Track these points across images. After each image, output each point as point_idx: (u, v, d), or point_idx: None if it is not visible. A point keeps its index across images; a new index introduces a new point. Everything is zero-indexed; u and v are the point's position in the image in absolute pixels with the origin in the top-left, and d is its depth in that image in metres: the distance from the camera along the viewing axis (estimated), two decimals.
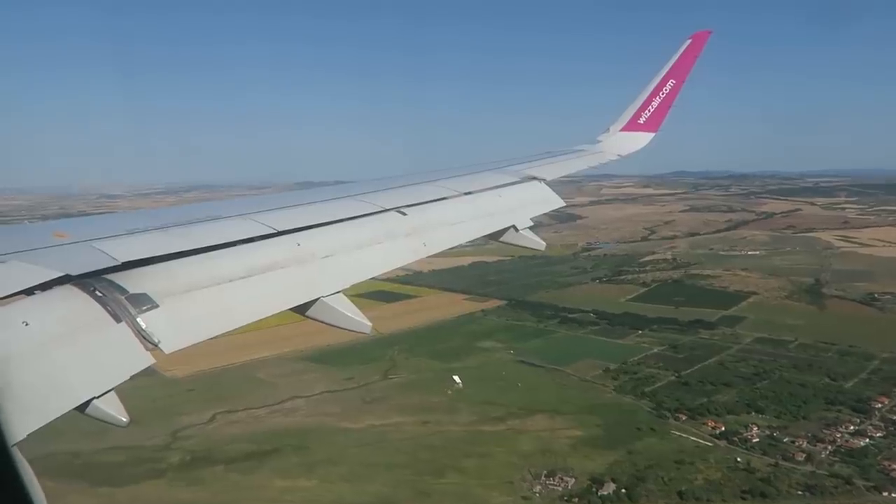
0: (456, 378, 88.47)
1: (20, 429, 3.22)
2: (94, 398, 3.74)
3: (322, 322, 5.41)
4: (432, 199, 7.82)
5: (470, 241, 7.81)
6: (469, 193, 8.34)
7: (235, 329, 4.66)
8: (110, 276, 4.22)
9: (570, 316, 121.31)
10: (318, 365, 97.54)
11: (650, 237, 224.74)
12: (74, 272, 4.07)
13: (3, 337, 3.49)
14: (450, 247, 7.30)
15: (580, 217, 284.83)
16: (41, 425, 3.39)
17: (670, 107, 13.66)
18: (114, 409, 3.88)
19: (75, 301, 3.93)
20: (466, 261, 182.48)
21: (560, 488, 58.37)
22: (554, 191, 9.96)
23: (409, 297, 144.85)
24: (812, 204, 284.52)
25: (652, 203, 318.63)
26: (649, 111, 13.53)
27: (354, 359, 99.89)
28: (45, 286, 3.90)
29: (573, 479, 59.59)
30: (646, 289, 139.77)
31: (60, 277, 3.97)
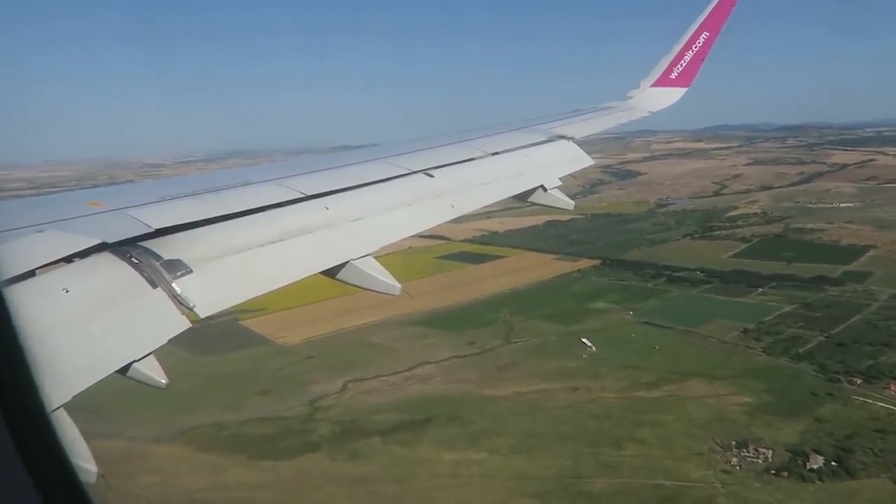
0: (586, 341, 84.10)
1: (66, 391, 3.23)
2: (134, 361, 3.77)
3: (352, 285, 5.41)
4: (460, 160, 7.78)
5: (497, 202, 7.82)
6: (496, 154, 8.33)
7: (267, 292, 4.73)
8: (145, 244, 4.33)
9: (675, 275, 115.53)
10: (431, 329, 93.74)
11: (722, 192, 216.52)
12: (110, 240, 4.16)
13: (46, 304, 3.57)
14: (478, 208, 7.31)
15: (640, 173, 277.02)
16: (86, 387, 3.41)
17: (704, 60, 13.11)
18: (154, 372, 3.88)
19: (112, 268, 4.03)
20: (540, 220, 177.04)
21: (759, 461, 53.87)
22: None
23: (495, 257, 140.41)
24: (884, 154, 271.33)
25: (710, 157, 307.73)
26: (682, 65, 13.02)
27: (466, 322, 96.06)
28: (82, 254, 3.98)
29: (770, 451, 54.99)
30: (747, 244, 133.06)
31: (97, 245, 4.06)
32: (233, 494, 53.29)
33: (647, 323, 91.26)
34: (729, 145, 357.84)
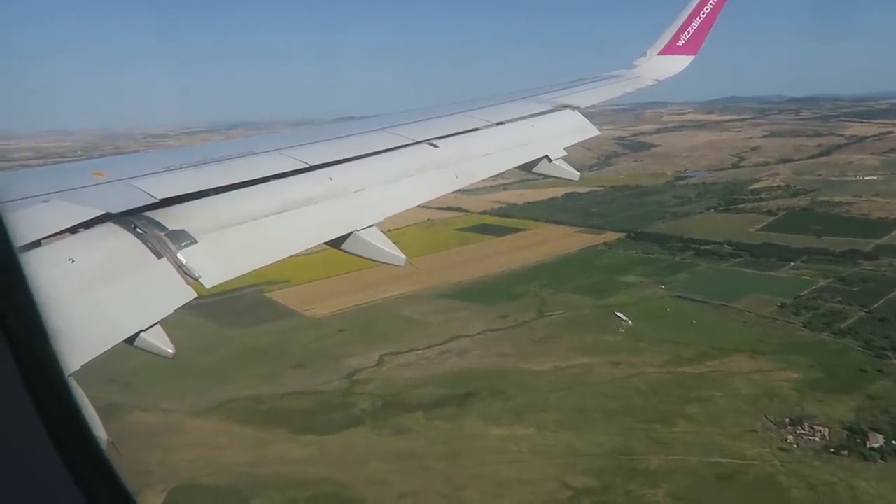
0: (621, 315, 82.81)
1: (74, 361, 3.24)
2: (140, 331, 3.76)
3: (357, 255, 5.44)
4: (464, 130, 7.69)
5: (500, 173, 7.78)
6: (501, 123, 8.19)
7: (272, 263, 4.73)
8: (149, 214, 4.32)
9: (703, 248, 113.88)
10: (461, 302, 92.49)
11: (741, 164, 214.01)
12: (115, 210, 4.15)
13: (53, 274, 3.57)
14: (482, 178, 7.28)
15: (654, 145, 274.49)
16: (93, 357, 3.41)
17: (711, 27, 12.88)
18: (160, 342, 3.86)
19: (117, 238, 4.04)
20: (559, 192, 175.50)
21: (816, 439, 52.76)
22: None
23: (517, 230, 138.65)
24: None
25: (725, 129, 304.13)
26: (689, 33, 12.79)
27: (496, 295, 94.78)
28: (87, 224, 3.99)
29: (826, 429, 53.87)
30: (773, 218, 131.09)
31: (102, 216, 4.07)
32: (279, 469, 52.40)
33: (681, 297, 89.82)
34: (742, 117, 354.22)
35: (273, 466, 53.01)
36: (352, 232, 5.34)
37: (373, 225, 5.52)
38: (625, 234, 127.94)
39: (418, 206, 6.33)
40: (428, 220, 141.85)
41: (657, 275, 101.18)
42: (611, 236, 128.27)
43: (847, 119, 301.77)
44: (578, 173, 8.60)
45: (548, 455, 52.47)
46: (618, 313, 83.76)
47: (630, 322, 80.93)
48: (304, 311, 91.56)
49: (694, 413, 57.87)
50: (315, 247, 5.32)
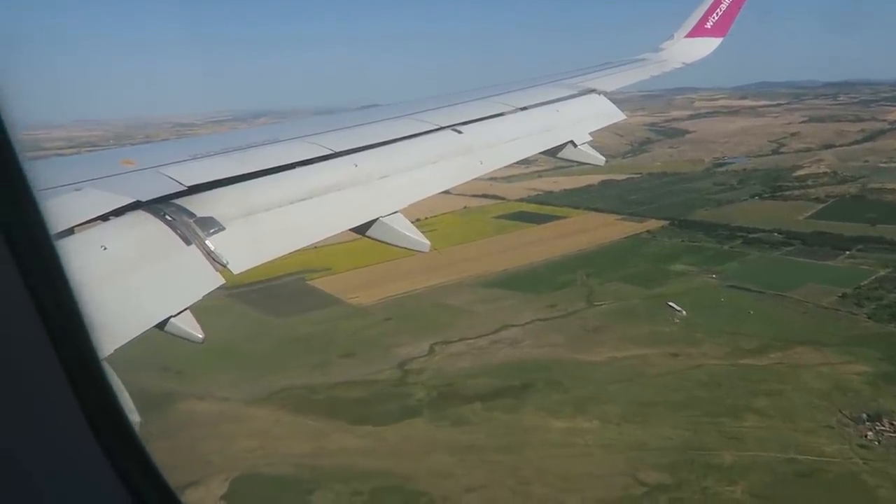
0: (674, 305, 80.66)
1: (107, 346, 3.29)
2: (171, 317, 3.80)
3: (382, 241, 5.46)
4: (488, 115, 7.65)
5: (529, 159, 7.85)
6: (525, 109, 8.15)
7: (297, 249, 4.83)
8: (178, 201, 4.38)
9: (751, 236, 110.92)
10: (506, 291, 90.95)
11: (781, 150, 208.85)
12: (145, 198, 4.21)
13: (86, 261, 3.62)
14: (507, 164, 7.31)
15: (688, 131, 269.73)
16: (125, 342, 3.47)
17: (741, 8, 12.58)
18: (190, 327, 3.90)
19: (147, 226, 4.09)
20: (595, 179, 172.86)
21: None
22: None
23: (555, 217, 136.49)
24: None
25: (760, 115, 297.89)
26: (718, 14, 12.45)
27: (541, 284, 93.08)
28: (118, 212, 4.05)
29: None
30: (822, 205, 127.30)
31: (132, 203, 4.13)
32: (338, 461, 51.59)
33: (734, 287, 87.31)
34: (777, 102, 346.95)
35: (333, 458, 52.21)
36: (377, 218, 5.36)
37: (397, 211, 5.51)
38: (668, 222, 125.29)
39: (448, 192, 6.41)
40: (465, 207, 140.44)
41: (706, 264, 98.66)
42: (654, 224, 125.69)
43: (888, 104, 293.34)
44: (604, 158, 8.46)
45: (615, 449, 50.95)
46: (670, 303, 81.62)
47: (684, 312, 78.79)
48: (349, 299, 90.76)
49: (763, 407, 55.87)
50: (345, 234, 5.38)
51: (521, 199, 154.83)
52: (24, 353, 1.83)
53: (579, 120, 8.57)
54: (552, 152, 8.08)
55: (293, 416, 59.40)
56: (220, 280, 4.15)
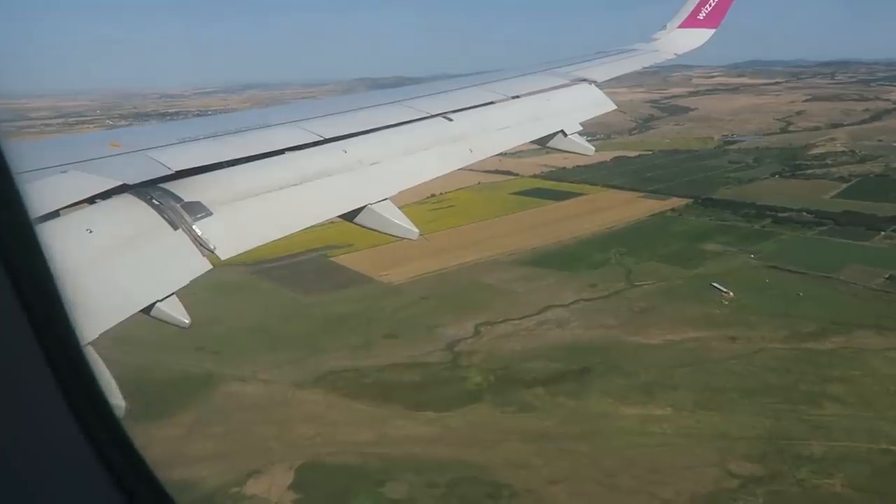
0: (720, 286, 78.50)
1: (91, 330, 3.24)
2: (157, 301, 3.76)
3: (371, 229, 5.48)
4: (479, 103, 7.61)
5: (515, 147, 7.73)
6: (516, 97, 8.14)
7: (286, 235, 4.85)
8: (165, 185, 4.35)
9: (780, 216, 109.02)
10: (541, 269, 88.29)
11: (790, 129, 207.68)
12: (131, 181, 4.18)
13: (71, 244, 3.58)
14: (497, 153, 7.31)
15: (690, 108, 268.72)
16: (111, 326, 3.42)
17: (733, 0, 12.69)
18: (176, 312, 3.85)
19: (134, 209, 4.06)
20: (607, 156, 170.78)
21: None
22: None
23: (574, 194, 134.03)
24: None
25: (762, 93, 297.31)
26: (710, 5, 12.59)
27: (576, 263, 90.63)
28: (104, 195, 4.01)
29: None
30: (847, 184, 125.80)
31: (119, 187, 4.08)
32: (406, 450, 48.93)
33: (775, 267, 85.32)
34: (775, 81, 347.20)
35: (399, 446, 49.54)
36: (366, 205, 5.34)
37: (387, 198, 5.50)
38: (691, 200, 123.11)
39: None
40: (479, 183, 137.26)
41: (740, 243, 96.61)
42: (677, 202, 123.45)
43: (888, 83, 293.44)
44: (593, 148, 8.39)
45: (697, 438, 48.75)
46: (715, 284, 79.46)
47: (731, 294, 76.67)
48: (379, 276, 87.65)
49: (840, 394, 53.91)
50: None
51: (535, 176, 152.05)
52: (5, 341, 1.79)
53: (570, 109, 8.51)
54: (542, 141, 8.01)
55: (346, 401, 56.55)
56: (207, 265, 4.07)
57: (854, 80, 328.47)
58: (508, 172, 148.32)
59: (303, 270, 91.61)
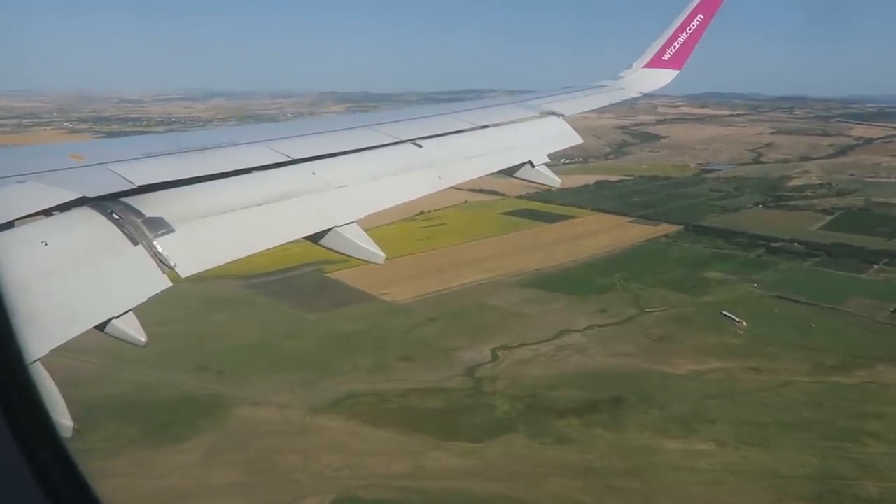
0: (731, 315, 77.81)
1: (42, 346, 3.15)
2: (112, 318, 3.70)
3: (336, 251, 5.39)
4: (449, 131, 7.68)
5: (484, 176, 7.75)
6: (486, 127, 8.25)
7: (249, 255, 4.70)
8: (127, 200, 4.25)
9: (773, 245, 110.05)
10: (546, 292, 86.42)
11: (762, 160, 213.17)
12: (91, 194, 4.07)
13: (24, 256, 3.51)
14: (465, 180, 7.27)
15: (661, 136, 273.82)
16: (62, 343, 3.31)
17: (697, 43, 13.12)
18: (133, 330, 3.80)
19: (93, 223, 3.97)
20: (590, 179, 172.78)
21: None
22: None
23: (565, 217, 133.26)
24: None
25: (728, 124, 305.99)
26: (675, 47, 13.00)
27: (581, 287, 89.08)
28: (62, 207, 3.92)
29: None
30: (831, 217, 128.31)
31: (77, 199, 3.99)
32: (446, 484, 45.80)
33: (780, 297, 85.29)
34: (738, 113, 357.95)
35: (437, 480, 46.37)
36: (332, 227, 5.30)
37: (353, 221, 5.45)
38: (682, 227, 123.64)
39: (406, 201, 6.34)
40: (465, 201, 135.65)
41: (741, 272, 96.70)
42: (667, 228, 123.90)
43: (844, 120, 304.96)
44: (560, 180, 8.61)
45: (747, 476, 46.98)
46: (725, 313, 78.78)
47: (744, 323, 75.97)
48: (380, 294, 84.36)
49: (878, 431, 53.03)
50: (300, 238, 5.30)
51: (521, 196, 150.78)
52: None
53: (539, 141, 8.62)
54: (510, 171, 8.11)
55: (369, 428, 53.09)
56: (166, 283, 4.00)
57: (812, 115, 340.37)
58: (494, 192, 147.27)
59: (299, 285, 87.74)
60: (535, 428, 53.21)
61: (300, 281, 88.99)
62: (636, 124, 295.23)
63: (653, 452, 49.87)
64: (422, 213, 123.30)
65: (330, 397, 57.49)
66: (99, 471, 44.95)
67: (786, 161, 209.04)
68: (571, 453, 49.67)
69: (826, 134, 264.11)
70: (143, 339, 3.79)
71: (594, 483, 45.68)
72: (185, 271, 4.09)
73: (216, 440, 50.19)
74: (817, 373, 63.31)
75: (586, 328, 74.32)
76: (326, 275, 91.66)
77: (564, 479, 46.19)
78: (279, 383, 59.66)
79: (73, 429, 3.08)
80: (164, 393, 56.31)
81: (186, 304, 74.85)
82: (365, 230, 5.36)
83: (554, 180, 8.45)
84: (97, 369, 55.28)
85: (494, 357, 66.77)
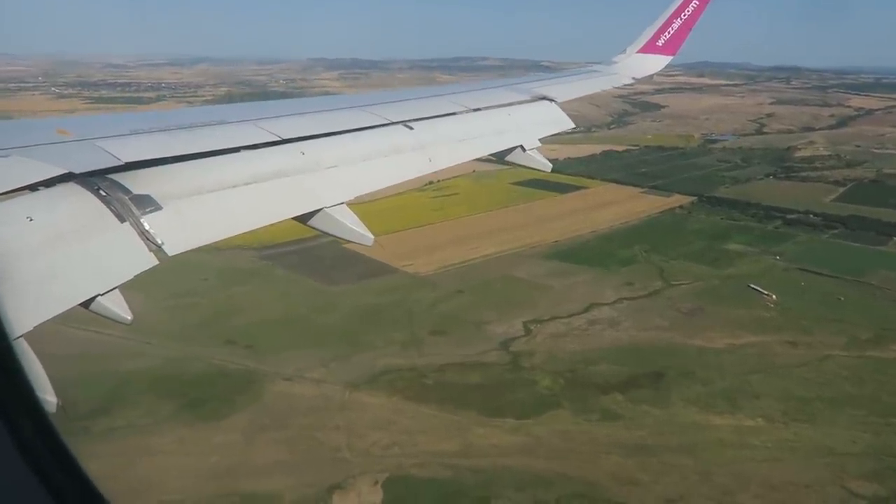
0: (759, 289, 77.02)
1: (26, 322, 3.11)
2: (98, 295, 3.64)
3: (324, 232, 5.41)
4: (440, 114, 7.62)
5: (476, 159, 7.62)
6: (478, 110, 8.18)
7: (238, 234, 4.65)
8: (114, 176, 4.19)
9: (789, 217, 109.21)
10: (570, 265, 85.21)
11: (765, 131, 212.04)
12: (78, 170, 4.02)
13: (8, 231, 3.48)
14: (455, 163, 7.22)
15: (662, 106, 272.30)
16: (46, 319, 3.28)
17: (691, 29, 13.07)
18: (118, 307, 3.73)
19: (79, 199, 3.91)
20: (597, 149, 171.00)
21: None
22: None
23: (575, 187, 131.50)
24: None
25: (727, 94, 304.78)
26: (669, 33, 12.97)
27: (604, 258, 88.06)
28: (48, 183, 3.86)
29: None
30: (843, 188, 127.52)
31: (63, 175, 3.93)
32: (499, 462, 44.76)
33: (804, 270, 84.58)
34: (735, 83, 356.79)
35: (489, 458, 45.32)
36: (321, 208, 5.24)
37: (343, 202, 5.39)
38: (695, 198, 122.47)
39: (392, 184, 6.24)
40: (473, 171, 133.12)
41: (760, 244, 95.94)
42: (681, 199, 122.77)
43: (842, 91, 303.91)
44: (551, 165, 8.46)
45: (802, 453, 46.35)
46: (753, 286, 77.99)
47: (774, 296, 75.23)
48: (402, 267, 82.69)
49: None
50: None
51: (530, 167, 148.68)
52: None
53: (530, 125, 8.61)
54: (501, 155, 8.08)
55: (413, 405, 51.92)
56: (153, 261, 3.95)
57: (809, 86, 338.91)
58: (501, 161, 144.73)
59: (317, 257, 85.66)
60: (580, 404, 52.25)
61: (318, 251, 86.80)
62: (635, 93, 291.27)
63: (702, 429, 49.13)
64: (431, 182, 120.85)
65: (366, 372, 56.15)
66: (143, 448, 43.58)
67: (789, 132, 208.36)
68: (621, 430, 48.80)
69: (826, 104, 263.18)
70: (129, 317, 3.70)
71: (650, 461, 44.87)
72: (171, 249, 4.05)
73: (255, 417, 48.81)
74: (853, 347, 62.72)
75: (615, 301, 73.27)
76: (343, 246, 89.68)
77: (619, 457, 45.34)
78: (311, 358, 58.22)
79: (58, 405, 3.02)
80: (194, 368, 54.67)
81: (204, 276, 73.06)
82: (373, 200, 5.10)
83: (545, 165, 8.30)
84: (123, 342, 53.66)
85: (527, 331, 65.59)
